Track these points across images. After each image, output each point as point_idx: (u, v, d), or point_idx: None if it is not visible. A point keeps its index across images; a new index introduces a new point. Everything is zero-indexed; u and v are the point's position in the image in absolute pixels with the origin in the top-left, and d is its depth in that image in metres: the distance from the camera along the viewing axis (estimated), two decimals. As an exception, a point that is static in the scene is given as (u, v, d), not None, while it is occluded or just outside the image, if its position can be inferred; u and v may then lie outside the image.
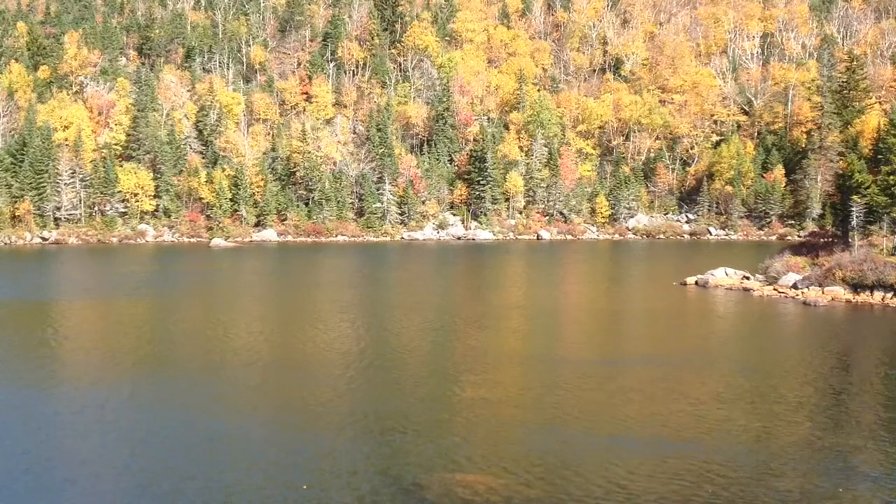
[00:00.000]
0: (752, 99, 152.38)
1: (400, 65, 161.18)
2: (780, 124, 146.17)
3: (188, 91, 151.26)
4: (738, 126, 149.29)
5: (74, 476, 26.30)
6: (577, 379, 37.89)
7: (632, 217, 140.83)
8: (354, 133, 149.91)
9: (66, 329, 52.18)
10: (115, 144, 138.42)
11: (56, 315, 56.98)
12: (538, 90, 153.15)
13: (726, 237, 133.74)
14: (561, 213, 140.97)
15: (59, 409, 33.49)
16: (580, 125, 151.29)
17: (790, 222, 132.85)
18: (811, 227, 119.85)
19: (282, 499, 24.29)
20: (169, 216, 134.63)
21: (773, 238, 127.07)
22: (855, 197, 67.28)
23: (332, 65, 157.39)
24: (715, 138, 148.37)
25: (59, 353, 44.52)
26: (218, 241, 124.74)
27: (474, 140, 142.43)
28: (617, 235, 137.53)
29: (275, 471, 26.36)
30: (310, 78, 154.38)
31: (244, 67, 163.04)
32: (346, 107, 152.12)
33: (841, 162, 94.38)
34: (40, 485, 25.54)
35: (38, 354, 43.72)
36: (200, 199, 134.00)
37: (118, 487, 25.14)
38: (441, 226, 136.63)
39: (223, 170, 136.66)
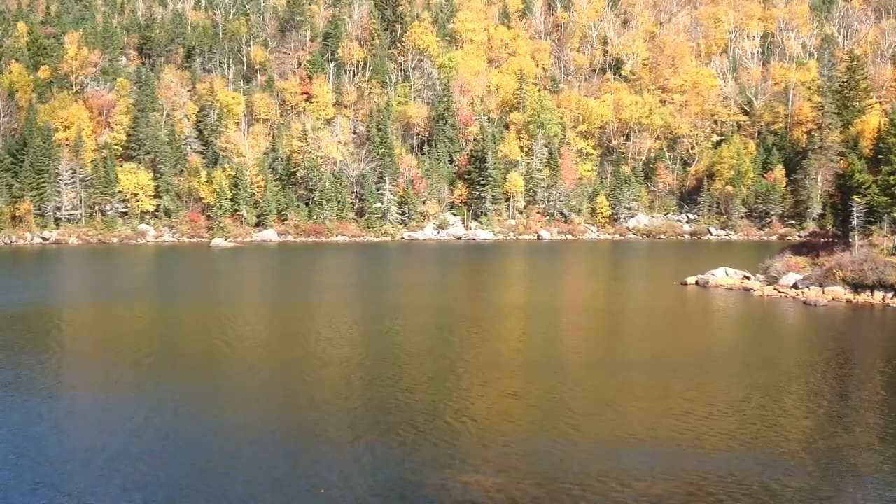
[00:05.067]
0: (753, 99, 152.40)
1: (400, 65, 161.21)
2: (781, 124, 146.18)
3: (188, 91, 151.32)
4: (739, 126, 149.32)
5: (84, 481, 26.29)
6: (579, 381, 37.88)
7: (632, 217, 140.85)
8: (355, 133, 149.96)
9: (71, 333, 52.15)
10: (116, 144, 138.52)
11: (60, 318, 56.94)
12: (538, 90, 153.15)
13: (727, 237, 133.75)
14: (561, 213, 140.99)
15: (64, 415, 33.44)
16: (580, 125, 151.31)
17: (790, 222, 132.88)
18: (811, 227, 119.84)
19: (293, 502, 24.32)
20: (169, 216, 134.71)
21: (774, 238, 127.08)
22: (855, 197, 67.23)
23: (332, 65, 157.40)
24: (715, 138, 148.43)
25: (65, 357, 44.48)
26: (218, 242, 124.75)
27: (474, 140, 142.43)
28: (617, 235, 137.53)
29: (283, 474, 26.36)
30: (310, 78, 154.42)
31: (244, 67, 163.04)
32: (346, 107, 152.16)
33: (841, 162, 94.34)
34: (53, 493, 25.54)
35: (42, 359, 43.70)
36: (201, 199, 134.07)
37: (129, 495, 25.09)
38: (441, 226, 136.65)
39: (223, 170, 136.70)
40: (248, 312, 58.49)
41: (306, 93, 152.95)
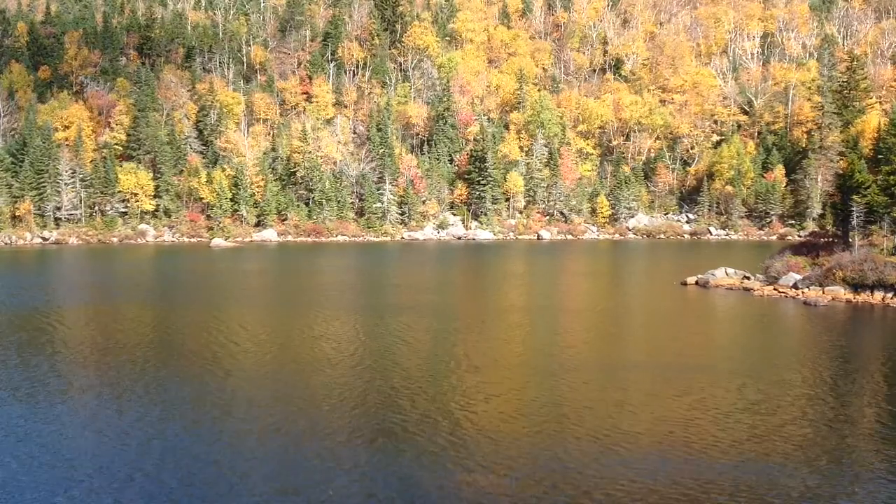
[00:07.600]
0: (753, 99, 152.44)
1: (400, 65, 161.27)
2: (781, 124, 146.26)
3: (188, 91, 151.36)
4: (739, 126, 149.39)
5: (89, 485, 26.29)
6: (580, 381, 37.87)
7: (632, 217, 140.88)
8: (355, 133, 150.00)
9: (73, 336, 52.12)
10: (116, 144, 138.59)
11: (62, 321, 56.92)
12: (538, 90, 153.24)
13: (727, 237, 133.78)
14: (561, 213, 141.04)
15: (70, 418, 33.41)
16: (580, 125, 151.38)
17: (790, 222, 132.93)
18: (811, 227, 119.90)
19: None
20: (169, 216, 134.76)
21: (774, 238, 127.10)
22: (855, 197, 67.24)
23: (332, 65, 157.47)
24: (715, 138, 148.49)
25: (68, 360, 44.43)
26: (218, 242, 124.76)
27: (474, 140, 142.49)
28: (617, 235, 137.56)
29: (289, 476, 26.37)
30: (310, 78, 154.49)
31: (244, 67, 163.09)
32: (346, 107, 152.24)
33: (841, 162, 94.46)
34: (57, 495, 25.55)
35: (45, 362, 43.69)
36: (201, 199, 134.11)
37: (132, 499, 25.05)
38: (441, 226, 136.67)
39: (223, 170, 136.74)
40: (250, 314, 58.48)
41: (306, 93, 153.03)
